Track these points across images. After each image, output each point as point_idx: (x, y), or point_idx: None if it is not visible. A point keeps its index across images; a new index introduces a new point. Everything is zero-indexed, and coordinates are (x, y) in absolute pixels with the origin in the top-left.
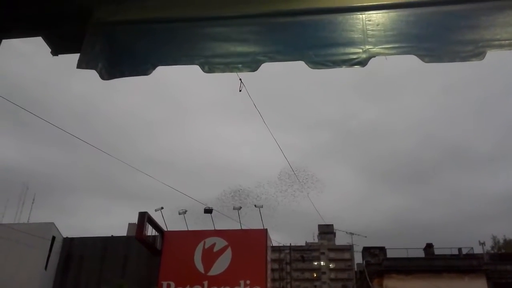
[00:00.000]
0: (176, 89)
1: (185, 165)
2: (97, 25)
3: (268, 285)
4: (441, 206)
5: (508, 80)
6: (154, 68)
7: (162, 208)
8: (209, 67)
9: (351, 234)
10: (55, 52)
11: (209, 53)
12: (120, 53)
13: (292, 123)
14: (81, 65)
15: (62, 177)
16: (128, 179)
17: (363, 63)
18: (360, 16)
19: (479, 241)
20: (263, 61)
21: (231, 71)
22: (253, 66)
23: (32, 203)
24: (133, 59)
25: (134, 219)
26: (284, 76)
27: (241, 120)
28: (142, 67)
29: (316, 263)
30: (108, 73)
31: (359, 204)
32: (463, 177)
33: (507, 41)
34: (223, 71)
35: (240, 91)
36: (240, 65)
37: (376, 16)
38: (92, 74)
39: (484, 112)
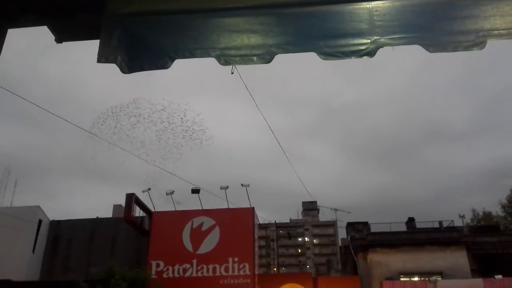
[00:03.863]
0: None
1: (168, 145)
2: (112, 16)
3: (256, 262)
4: (422, 181)
5: (483, 58)
6: (172, 61)
7: (149, 189)
8: (225, 59)
9: (335, 210)
10: (59, 40)
11: (224, 46)
12: (137, 46)
13: (274, 102)
14: (101, 59)
15: (42, 159)
16: (111, 159)
17: (371, 53)
18: (368, 6)
19: (459, 214)
20: (277, 53)
21: (246, 63)
22: (267, 58)
23: (15, 186)
24: (151, 52)
25: (117, 201)
26: None
27: (222, 101)
28: (160, 61)
29: (300, 239)
30: (128, 67)
31: (341, 181)
32: (442, 152)
33: (505, 31)
34: (239, 63)
35: (232, 73)
36: (254, 58)
37: (383, 6)
38: (71, 54)
39: (461, 88)
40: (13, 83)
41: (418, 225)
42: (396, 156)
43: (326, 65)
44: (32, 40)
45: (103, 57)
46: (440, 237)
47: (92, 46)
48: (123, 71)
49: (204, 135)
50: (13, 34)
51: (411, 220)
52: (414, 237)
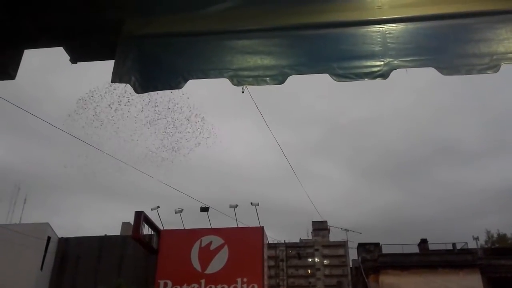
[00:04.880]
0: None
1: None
2: (128, 38)
3: (265, 282)
4: (433, 200)
5: (496, 77)
6: (185, 81)
7: (158, 207)
8: (238, 80)
9: (346, 230)
10: (74, 61)
11: (237, 66)
12: (151, 66)
13: (282, 118)
14: (115, 79)
15: (52, 176)
16: (118, 177)
17: (385, 75)
18: (381, 29)
19: (473, 236)
20: (290, 74)
21: (259, 84)
22: (280, 78)
23: (24, 203)
24: (165, 73)
25: (126, 218)
26: None
27: (229, 118)
28: (174, 81)
29: (310, 260)
30: (142, 87)
31: (351, 199)
32: (455, 172)
33: None
34: (252, 84)
35: (242, 92)
36: (267, 78)
37: (396, 29)
38: (81, 71)
39: (473, 107)
40: (26, 101)
41: (431, 247)
42: (407, 174)
43: (334, 83)
44: (46, 60)
45: (117, 77)
46: (453, 259)
47: (105, 65)
48: (137, 91)
49: (203, 121)
50: (28, 54)
51: (423, 242)
52: (426, 259)
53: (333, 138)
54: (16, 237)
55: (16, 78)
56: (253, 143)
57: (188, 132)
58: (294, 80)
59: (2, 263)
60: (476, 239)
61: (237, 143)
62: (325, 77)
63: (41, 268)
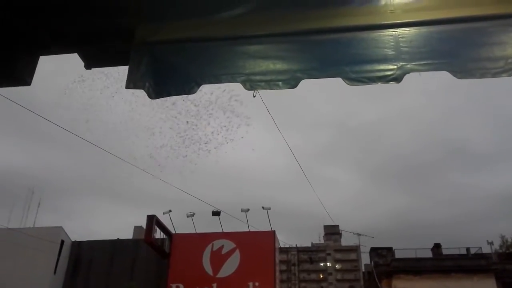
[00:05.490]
0: None
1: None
2: (141, 44)
3: (277, 286)
4: (448, 206)
5: (509, 80)
6: (198, 86)
7: (170, 211)
8: (250, 84)
9: (358, 234)
10: (88, 66)
11: (250, 71)
12: (165, 72)
13: (293, 123)
14: (129, 85)
15: (66, 180)
16: (130, 182)
17: (398, 79)
18: (393, 33)
19: (487, 241)
20: (302, 78)
21: (272, 88)
22: (292, 83)
23: (38, 207)
24: (178, 78)
25: (138, 222)
26: None
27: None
28: (187, 86)
29: (322, 264)
30: (156, 93)
31: (362, 202)
32: (468, 176)
33: None
34: (264, 88)
35: (254, 96)
36: (280, 83)
37: (409, 33)
38: (93, 75)
39: (487, 110)
40: (40, 106)
41: (445, 252)
42: (418, 177)
43: (344, 86)
44: (60, 65)
45: (131, 83)
46: (467, 264)
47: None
48: (150, 97)
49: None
50: (43, 59)
51: (437, 246)
52: (440, 264)
53: (342, 141)
54: (30, 241)
55: (31, 84)
56: (263, 147)
57: (218, 118)
58: (302, 84)
59: (16, 266)
60: (491, 243)
61: (247, 147)
62: (335, 81)
63: (55, 272)
